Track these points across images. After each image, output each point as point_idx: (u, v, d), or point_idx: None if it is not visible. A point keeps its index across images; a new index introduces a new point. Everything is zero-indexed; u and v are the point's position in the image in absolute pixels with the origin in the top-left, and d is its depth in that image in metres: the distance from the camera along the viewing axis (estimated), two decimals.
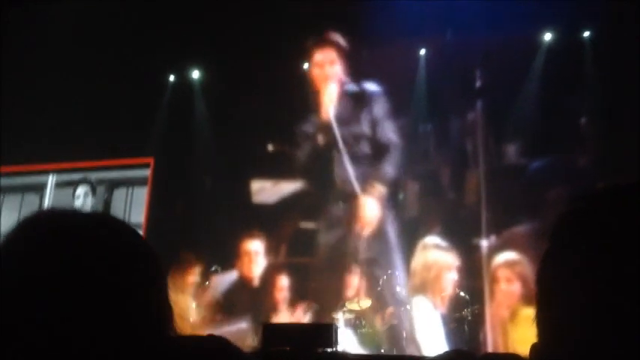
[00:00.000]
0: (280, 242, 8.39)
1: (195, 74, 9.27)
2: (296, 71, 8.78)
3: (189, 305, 8.15)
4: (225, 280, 8.36)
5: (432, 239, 7.80)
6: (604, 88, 7.40)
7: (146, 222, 8.71)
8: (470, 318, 7.07)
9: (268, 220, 8.46)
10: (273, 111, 8.36)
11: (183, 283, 8.21)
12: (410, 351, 7.29)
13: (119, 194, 9.15)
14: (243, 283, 8.37)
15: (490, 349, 7.14)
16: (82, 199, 9.14)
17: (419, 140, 8.23)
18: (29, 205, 9.25)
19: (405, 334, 7.35)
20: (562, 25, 7.84)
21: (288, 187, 8.54)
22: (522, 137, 7.83)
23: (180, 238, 8.38)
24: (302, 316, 7.96)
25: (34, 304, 0.76)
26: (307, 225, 8.40)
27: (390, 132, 8.24)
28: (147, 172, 9.09)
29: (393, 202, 8.13)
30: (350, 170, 8.28)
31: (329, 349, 5.95)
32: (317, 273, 8.10)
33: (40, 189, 9.46)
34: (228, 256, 8.42)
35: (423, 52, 8.44)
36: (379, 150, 8.25)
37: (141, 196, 9.00)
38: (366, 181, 8.20)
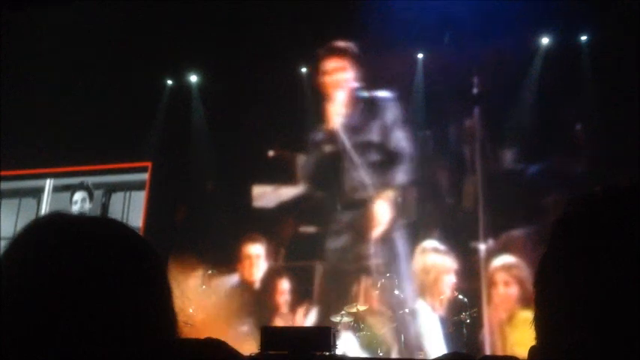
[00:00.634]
0: (280, 246, 8.40)
1: (193, 78, 9.28)
2: (294, 76, 8.79)
3: (189, 308, 8.13)
4: (225, 283, 8.36)
5: (431, 243, 7.82)
6: (601, 93, 7.42)
7: (144, 225, 8.71)
8: (468, 321, 7.07)
9: (269, 224, 8.47)
10: (272, 115, 8.36)
11: (183, 286, 8.20)
12: (409, 353, 7.29)
13: (116, 198, 9.14)
14: (243, 286, 8.37)
15: (488, 351, 7.15)
16: (80, 204, 9.13)
17: (417, 145, 8.25)
18: (27, 209, 9.24)
19: (403, 337, 7.34)
20: (559, 30, 7.87)
21: (289, 192, 8.55)
22: (519, 142, 7.85)
23: (179, 242, 8.37)
24: (303, 319, 7.97)
25: (40, 306, 0.77)
26: (308, 229, 8.41)
27: (399, 138, 8.24)
28: (144, 176, 9.08)
29: (397, 206, 8.14)
30: (360, 176, 8.28)
31: (327, 353, 5.96)
32: (319, 277, 8.11)
33: (37, 193, 9.45)
34: (228, 260, 8.42)
35: (420, 56, 8.45)
36: (388, 156, 8.25)
37: (138, 200, 8.99)
38: (375, 187, 8.20)
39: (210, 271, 8.32)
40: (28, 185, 9.49)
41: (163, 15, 8.47)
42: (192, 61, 9.08)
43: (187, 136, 9.08)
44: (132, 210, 8.93)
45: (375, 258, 7.95)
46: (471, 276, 7.60)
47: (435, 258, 7.75)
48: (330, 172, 8.44)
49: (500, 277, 7.50)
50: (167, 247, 8.12)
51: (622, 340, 0.71)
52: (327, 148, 8.56)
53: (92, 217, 0.91)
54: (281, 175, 8.65)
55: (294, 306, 8.11)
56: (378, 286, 7.70)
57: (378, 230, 8.07)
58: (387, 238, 7.99)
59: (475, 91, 8.12)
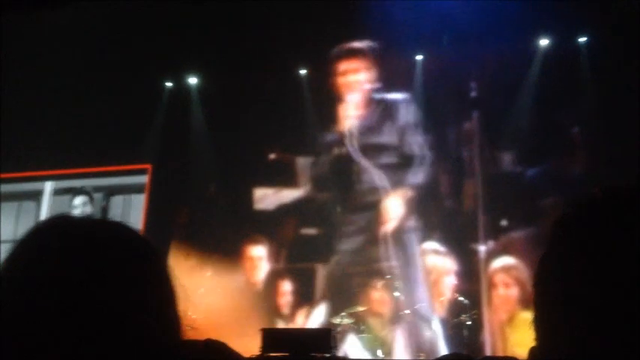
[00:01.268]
0: (282, 247, 8.41)
1: (192, 80, 9.28)
2: (294, 78, 8.79)
3: (191, 311, 8.12)
4: (227, 284, 8.35)
5: (431, 245, 7.83)
6: (600, 95, 7.43)
7: (144, 228, 8.70)
8: (469, 323, 7.08)
9: (271, 226, 8.48)
10: (272, 117, 8.37)
11: (185, 288, 8.18)
12: (409, 355, 7.30)
13: (115, 201, 9.13)
14: (245, 287, 8.38)
15: (489, 352, 7.16)
16: (81, 208, 9.13)
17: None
18: (27, 212, 9.23)
19: (404, 339, 7.35)
20: (558, 32, 7.87)
21: (290, 194, 8.56)
22: (518, 145, 7.86)
23: (180, 244, 8.38)
24: (305, 320, 7.98)
25: (43, 308, 0.77)
26: (310, 231, 8.42)
27: (412, 141, 8.23)
28: (144, 179, 9.08)
29: (406, 208, 8.11)
30: (370, 177, 8.26)
31: (327, 354, 5.96)
32: (321, 279, 8.12)
33: (36, 196, 9.44)
34: (230, 262, 8.42)
35: (419, 57, 8.46)
36: (401, 158, 8.24)
37: (137, 203, 8.99)
38: (384, 189, 8.19)
39: (208, 273, 8.32)
40: (27, 188, 9.48)
41: (163, 17, 8.47)
42: (192, 63, 9.09)
43: (187, 139, 9.08)
44: (131, 213, 8.92)
45: (380, 260, 7.95)
46: (471, 278, 7.60)
47: (435, 260, 7.76)
48: (338, 173, 8.43)
49: (500, 278, 7.51)
50: (167, 249, 8.12)
51: (621, 340, 0.72)
52: (336, 150, 8.54)
53: (96, 219, 0.92)
54: (282, 177, 8.65)
55: (295, 308, 8.11)
56: (379, 287, 7.70)
57: (385, 232, 8.05)
58: (394, 240, 7.97)
59: (473, 94, 8.13)
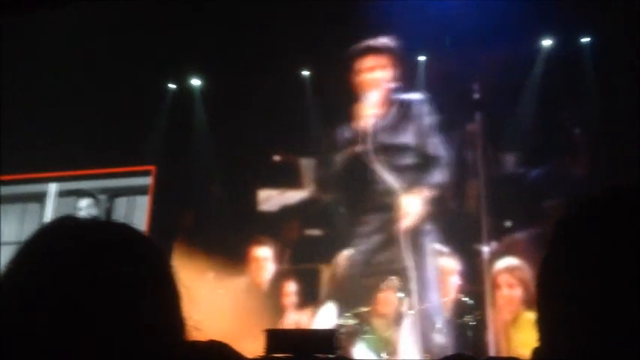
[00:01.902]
0: (286, 248, 8.41)
1: (196, 82, 9.30)
2: (297, 79, 8.80)
3: (197, 313, 8.12)
4: (232, 285, 8.36)
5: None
6: (603, 96, 7.41)
7: (148, 230, 8.71)
8: (473, 323, 7.07)
9: (275, 227, 8.48)
10: (276, 118, 8.38)
11: (190, 290, 8.18)
12: (413, 356, 7.29)
13: (119, 203, 9.15)
14: (251, 288, 8.38)
15: (493, 353, 7.15)
16: (86, 211, 9.14)
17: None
18: (31, 214, 9.25)
19: (408, 339, 7.34)
20: (561, 33, 7.86)
21: (295, 195, 8.56)
22: (521, 146, 7.85)
23: (184, 246, 8.39)
24: (309, 321, 7.98)
25: (49, 310, 0.78)
26: (314, 232, 8.42)
27: (430, 142, 8.20)
28: (147, 181, 9.09)
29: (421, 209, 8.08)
30: (385, 178, 8.25)
31: (331, 355, 5.96)
32: (326, 279, 8.12)
33: (40, 198, 9.46)
34: (235, 263, 8.43)
35: (422, 59, 8.45)
36: (421, 158, 8.21)
37: (141, 205, 9.00)
38: (399, 190, 8.18)
39: (212, 275, 8.32)
40: (32, 190, 9.50)
41: (165, 18, 8.49)
42: (195, 65, 9.10)
43: (191, 140, 9.09)
44: (135, 214, 8.93)
45: (393, 262, 7.93)
46: (475, 278, 7.59)
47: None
48: (351, 172, 8.40)
49: (504, 279, 7.50)
50: (171, 250, 8.13)
51: (624, 341, 0.72)
52: (350, 149, 8.51)
53: (102, 220, 0.92)
54: (286, 178, 8.65)
55: (300, 308, 8.12)
56: (383, 288, 7.69)
57: (400, 232, 8.02)
58: (409, 241, 7.95)
59: (476, 95, 8.11)
